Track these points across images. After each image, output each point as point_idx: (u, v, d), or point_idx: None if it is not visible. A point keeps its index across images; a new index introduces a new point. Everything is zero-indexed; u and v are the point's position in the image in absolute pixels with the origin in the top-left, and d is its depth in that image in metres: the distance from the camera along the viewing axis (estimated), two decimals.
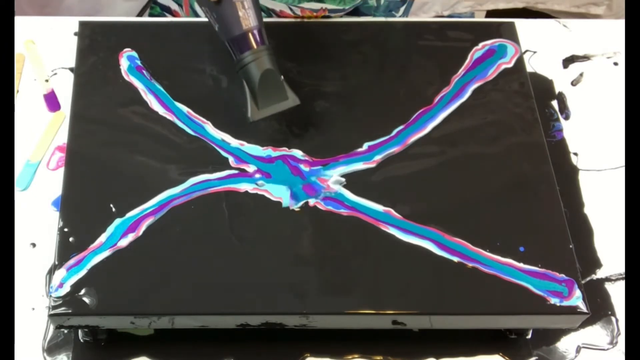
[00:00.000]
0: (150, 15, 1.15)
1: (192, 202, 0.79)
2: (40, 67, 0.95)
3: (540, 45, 1.01)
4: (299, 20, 0.99)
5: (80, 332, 0.78)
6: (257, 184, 0.80)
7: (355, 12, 1.03)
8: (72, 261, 0.74)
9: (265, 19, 0.99)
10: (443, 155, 0.83)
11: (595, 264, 0.85)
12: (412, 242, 0.77)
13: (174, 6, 1.11)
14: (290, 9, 0.97)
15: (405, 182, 0.81)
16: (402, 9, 1.08)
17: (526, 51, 0.99)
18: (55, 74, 0.95)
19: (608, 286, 0.84)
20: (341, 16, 1.01)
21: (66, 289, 0.73)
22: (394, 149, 0.84)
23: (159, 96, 0.86)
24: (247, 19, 0.78)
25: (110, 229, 0.76)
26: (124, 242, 0.76)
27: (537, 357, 0.80)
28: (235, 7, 0.78)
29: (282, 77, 0.79)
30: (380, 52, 0.92)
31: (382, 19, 1.01)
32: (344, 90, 0.88)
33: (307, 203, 0.79)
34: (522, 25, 0.95)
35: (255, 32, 0.79)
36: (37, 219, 0.84)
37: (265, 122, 0.84)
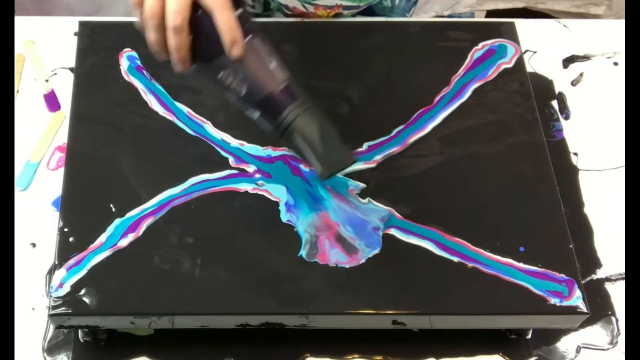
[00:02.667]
0: None
1: (192, 202, 0.79)
2: (40, 67, 0.95)
3: (540, 45, 1.01)
4: (299, 19, 0.99)
5: (80, 332, 0.78)
6: (257, 184, 0.80)
7: (369, 12, 1.03)
8: (72, 261, 0.74)
9: (265, 19, 1.00)
10: (443, 155, 0.83)
11: (595, 264, 0.85)
12: (412, 242, 0.77)
13: None
14: (304, 6, 0.97)
15: (405, 182, 0.81)
16: (412, 10, 1.08)
17: (526, 51, 0.99)
18: (55, 74, 0.95)
19: (608, 286, 0.84)
20: (354, 14, 1.00)
21: (66, 289, 0.73)
22: (394, 149, 0.84)
23: (159, 96, 0.86)
24: (282, 70, 0.67)
25: (110, 229, 0.76)
26: (124, 242, 0.76)
27: (537, 357, 0.80)
28: (264, 60, 0.66)
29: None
30: (380, 52, 0.91)
31: (382, 18, 1.01)
32: (343, 90, 0.88)
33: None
34: (522, 25, 0.95)
35: (290, 85, 0.68)
36: (37, 219, 0.84)
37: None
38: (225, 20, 0.62)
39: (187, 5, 0.61)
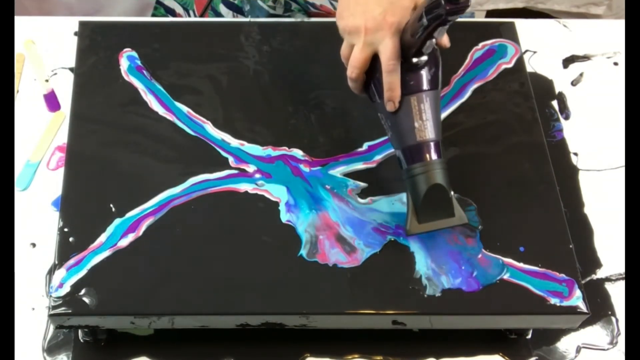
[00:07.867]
0: (154, 16, 1.15)
1: (192, 202, 0.79)
2: (40, 67, 0.95)
3: (540, 45, 1.01)
4: (299, 20, 0.99)
5: (80, 332, 0.78)
6: (257, 184, 0.80)
7: None
8: (72, 261, 0.74)
9: (263, 19, 1.00)
10: (443, 155, 0.83)
11: (595, 264, 0.85)
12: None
13: (179, 9, 1.11)
14: (331, 4, 0.96)
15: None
16: None
17: (526, 51, 0.99)
18: (55, 74, 0.95)
19: (608, 286, 0.84)
20: None
21: (66, 289, 0.73)
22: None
23: (159, 96, 0.86)
24: (424, 130, 0.73)
25: (110, 229, 0.76)
26: (124, 242, 0.76)
27: (537, 357, 0.80)
28: (411, 118, 0.74)
29: (452, 192, 0.74)
30: None
31: None
32: (344, 90, 0.88)
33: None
34: (522, 25, 0.95)
35: (431, 144, 0.74)
36: (37, 219, 0.84)
37: (265, 122, 0.84)
38: (388, 82, 0.73)
39: (364, 61, 0.74)
